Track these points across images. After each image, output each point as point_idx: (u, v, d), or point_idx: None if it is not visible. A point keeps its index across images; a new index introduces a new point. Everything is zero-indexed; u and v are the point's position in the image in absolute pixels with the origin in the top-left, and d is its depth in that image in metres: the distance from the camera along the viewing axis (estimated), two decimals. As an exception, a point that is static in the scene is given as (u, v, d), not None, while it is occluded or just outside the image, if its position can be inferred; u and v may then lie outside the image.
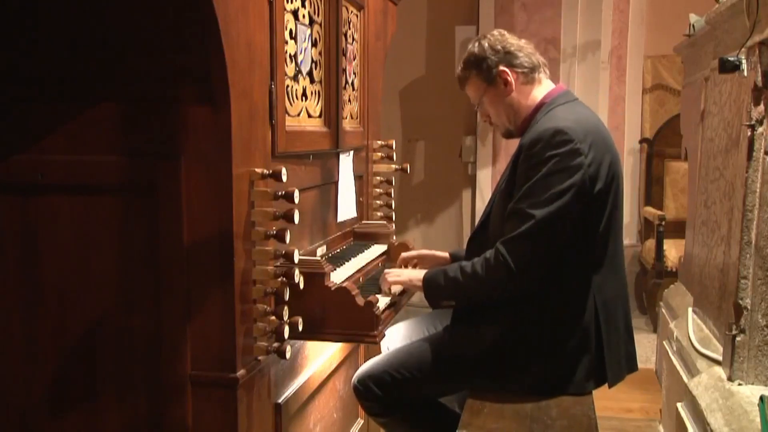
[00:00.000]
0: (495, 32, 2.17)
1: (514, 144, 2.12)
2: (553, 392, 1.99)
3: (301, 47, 2.06)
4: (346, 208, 2.50)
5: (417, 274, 2.14)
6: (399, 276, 2.20)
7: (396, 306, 2.21)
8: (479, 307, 2.05)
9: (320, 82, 2.23)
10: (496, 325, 2.01)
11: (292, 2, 1.99)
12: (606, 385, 2.04)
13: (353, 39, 2.56)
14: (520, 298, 1.98)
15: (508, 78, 2.10)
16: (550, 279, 1.95)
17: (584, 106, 2.11)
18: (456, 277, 2.01)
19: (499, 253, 1.92)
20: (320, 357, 2.30)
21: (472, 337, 2.04)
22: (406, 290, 2.31)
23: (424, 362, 2.09)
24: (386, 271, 2.25)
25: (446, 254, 2.41)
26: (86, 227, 1.73)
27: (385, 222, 2.81)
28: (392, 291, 2.22)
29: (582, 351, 1.97)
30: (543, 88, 2.13)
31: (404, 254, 2.44)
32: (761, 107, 2.04)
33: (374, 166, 2.86)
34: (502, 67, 2.10)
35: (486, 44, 2.12)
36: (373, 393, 2.14)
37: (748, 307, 2.06)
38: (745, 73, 2.12)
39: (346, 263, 2.28)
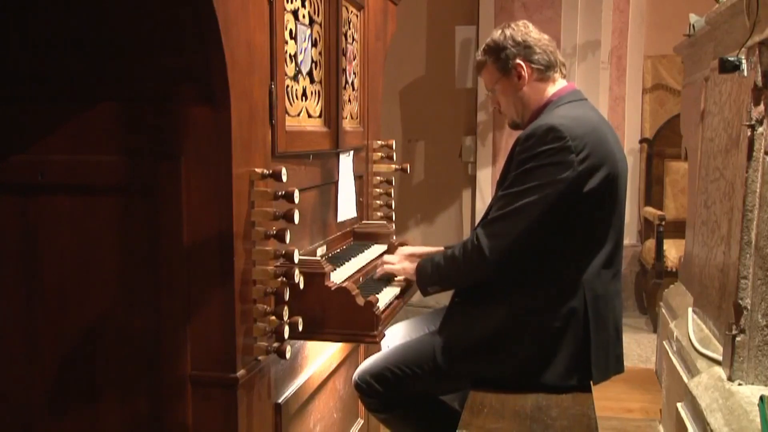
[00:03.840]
0: (520, 23, 2.18)
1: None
2: (530, 378, 2.00)
3: (301, 47, 2.06)
4: (346, 208, 2.50)
5: (410, 265, 2.24)
6: (393, 264, 2.31)
7: (396, 304, 2.22)
8: (472, 302, 2.08)
9: (320, 82, 2.23)
10: (487, 317, 2.03)
11: (292, 2, 1.98)
12: (601, 384, 2.05)
13: (353, 39, 2.56)
14: (511, 291, 2.00)
15: (523, 72, 2.11)
16: (538, 271, 1.99)
17: (590, 106, 2.12)
18: (439, 263, 2.10)
19: (476, 236, 1.99)
20: (320, 357, 2.30)
21: (463, 330, 2.07)
22: (408, 287, 2.33)
23: (423, 359, 2.11)
24: (384, 259, 2.35)
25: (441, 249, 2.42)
26: (86, 227, 1.73)
27: (385, 222, 2.81)
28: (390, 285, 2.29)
29: (563, 343, 1.99)
30: (555, 86, 2.14)
31: (402, 249, 2.45)
32: (761, 107, 2.03)
33: (374, 166, 2.86)
34: (518, 60, 2.11)
35: (508, 33, 2.13)
36: (373, 389, 2.16)
37: (748, 307, 2.06)
38: (745, 73, 2.12)
39: (346, 263, 2.28)
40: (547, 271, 1.99)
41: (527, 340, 2.00)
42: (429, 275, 2.13)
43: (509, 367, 2.03)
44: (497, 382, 2.04)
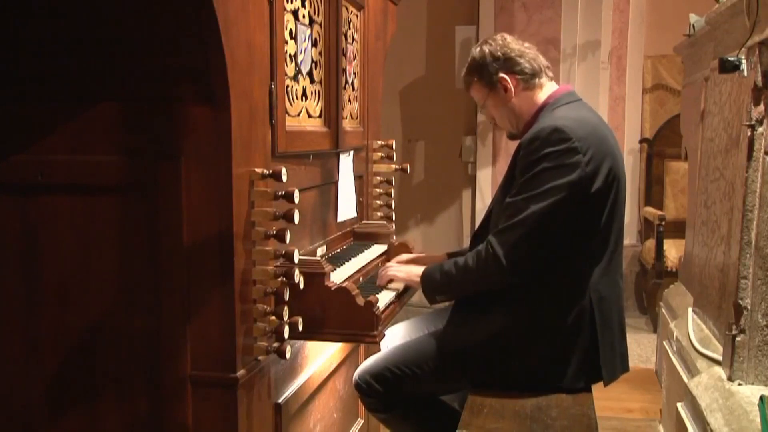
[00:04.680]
0: (497, 37, 2.18)
1: (514, 144, 2.13)
2: (544, 387, 2.00)
3: (301, 47, 2.06)
4: (346, 208, 2.50)
5: (416, 270, 2.19)
6: (398, 271, 2.26)
7: (396, 305, 2.22)
8: (476, 303, 2.07)
9: (320, 82, 2.23)
10: (492, 320, 2.02)
11: (292, 2, 1.99)
12: (601, 384, 2.05)
13: (353, 39, 2.56)
14: (516, 293, 1.99)
15: (508, 84, 2.12)
16: (545, 274, 1.97)
17: (587, 107, 2.12)
18: (449, 271, 2.06)
19: (490, 245, 1.96)
20: (320, 357, 2.30)
21: (467, 332, 2.06)
22: (407, 288, 2.32)
23: (423, 359, 2.11)
24: (388, 265, 2.32)
25: (443, 255, 2.41)
26: (86, 227, 1.73)
27: (385, 222, 2.81)
28: (390, 286, 2.27)
29: (574, 346, 1.98)
30: (545, 91, 2.14)
31: (402, 257, 2.45)
32: (761, 107, 2.03)
33: (374, 166, 2.86)
34: (502, 74, 2.12)
35: (487, 50, 2.14)
36: (373, 389, 2.16)
37: (748, 307, 2.06)
38: (745, 73, 2.12)
39: (346, 263, 2.28)
40: (552, 274, 1.97)
41: (534, 343, 1.99)
42: (438, 282, 2.09)
43: (512, 370, 2.02)
44: (499, 384, 2.03)
